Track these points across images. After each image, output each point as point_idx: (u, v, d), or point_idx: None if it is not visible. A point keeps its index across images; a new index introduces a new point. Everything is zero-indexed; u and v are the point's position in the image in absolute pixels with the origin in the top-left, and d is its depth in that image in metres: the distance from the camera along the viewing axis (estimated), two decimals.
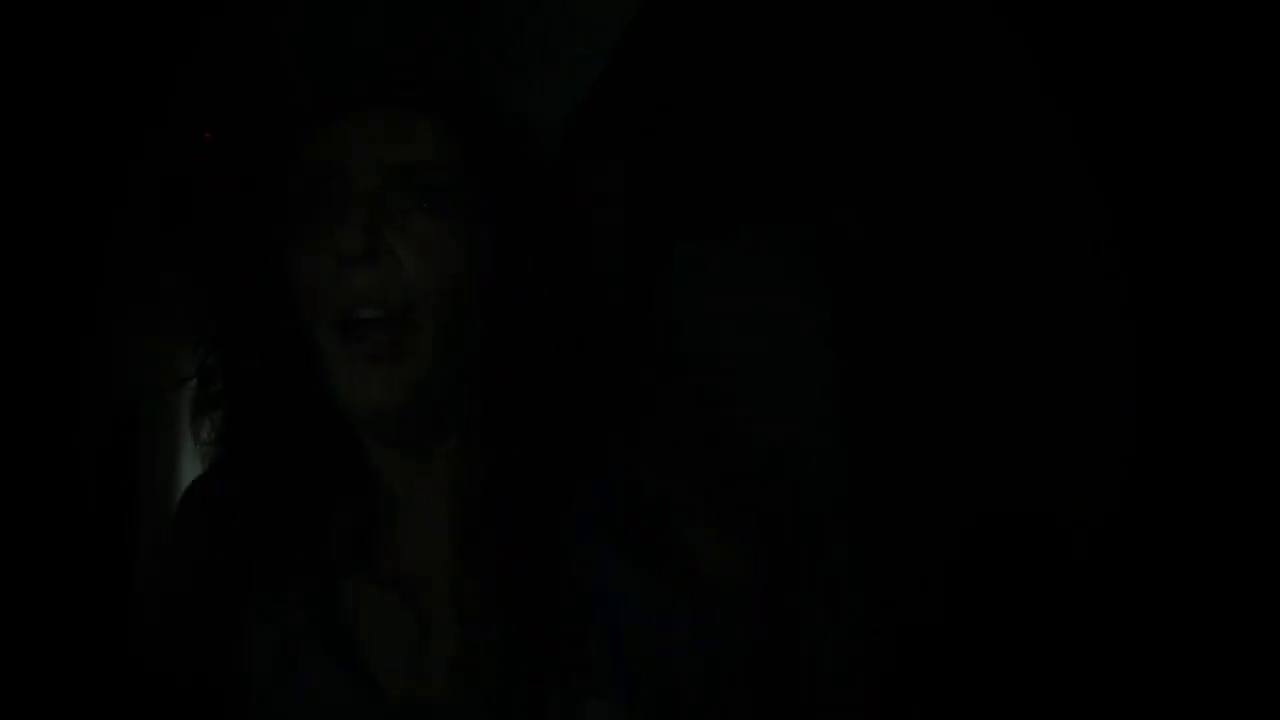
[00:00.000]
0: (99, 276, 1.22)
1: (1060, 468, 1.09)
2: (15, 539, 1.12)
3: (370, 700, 0.80)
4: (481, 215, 0.82)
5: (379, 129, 0.81)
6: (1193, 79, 0.98)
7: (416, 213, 0.80)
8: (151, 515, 1.32)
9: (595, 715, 0.78)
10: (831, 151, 1.17)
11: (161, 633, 0.91)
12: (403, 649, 0.81)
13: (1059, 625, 1.04)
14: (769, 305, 1.19)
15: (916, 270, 1.16)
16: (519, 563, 0.81)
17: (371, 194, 0.79)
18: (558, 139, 0.92)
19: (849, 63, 1.14)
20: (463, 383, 0.83)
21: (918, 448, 1.16)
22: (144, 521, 1.33)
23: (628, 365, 0.90)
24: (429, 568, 0.84)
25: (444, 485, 0.85)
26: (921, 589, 1.13)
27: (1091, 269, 1.06)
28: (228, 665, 0.84)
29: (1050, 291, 1.11)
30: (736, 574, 0.85)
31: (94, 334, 1.23)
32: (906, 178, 1.16)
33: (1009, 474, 1.11)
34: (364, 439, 0.86)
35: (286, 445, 0.85)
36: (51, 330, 1.17)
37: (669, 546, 0.83)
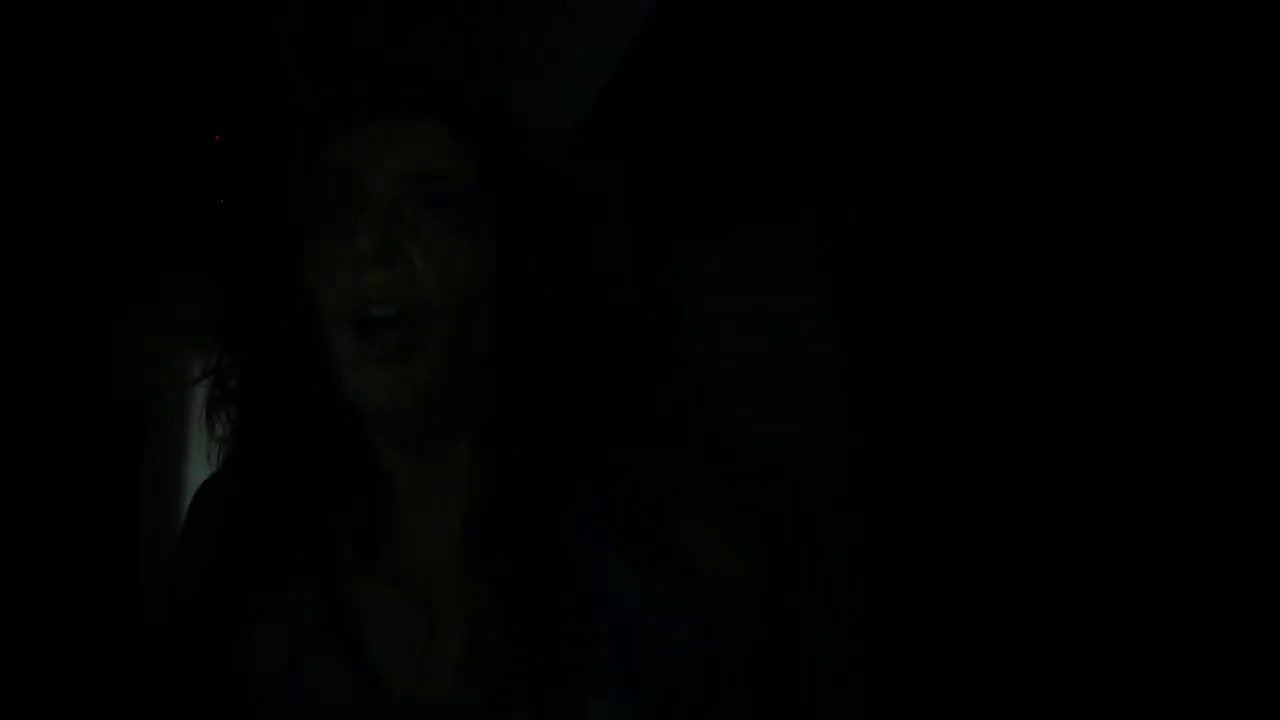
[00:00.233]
0: (99, 276, 1.22)
1: (1061, 468, 1.09)
2: (16, 538, 1.13)
3: (372, 700, 0.80)
4: (493, 220, 0.84)
5: (394, 136, 0.83)
6: (1193, 79, 0.98)
7: (429, 217, 0.82)
8: (158, 515, 1.33)
9: (597, 715, 0.78)
10: (835, 152, 1.17)
11: (170, 631, 0.91)
12: (408, 648, 0.82)
13: (1059, 625, 1.04)
14: (772, 305, 1.19)
15: (918, 269, 1.16)
16: (523, 563, 0.81)
17: (386, 199, 0.81)
18: (568, 143, 0.92)
19: (853, 64, 1.15)
20: (473, 385, 0.85)
21: (920, 447, 1.16)
22: (151, 520, 1.33)
23: (633, 366, 0.90)
24: (436, 568, 0.84)
25: (454, 487, 0.86)
26: (921, 589, 1.13)
27: (1091, 269, 1.06)
28: (230, 665, 0.84)
29: (1050, 291, 1.11)
30: (737, 574, 0.85)
31: (94, 334, 1.23)
32: (908, 178, 1.16)
33: (1010, 474, 1.11)
34: (375, 440, 0.87)
35: (298, 444, 0.86)
36: (52, 330, 1.17)
37: (669, 546, 0.83)
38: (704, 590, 0.83)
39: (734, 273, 1.20)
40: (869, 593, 1.14)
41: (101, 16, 1.16)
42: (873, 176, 1.17)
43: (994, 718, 1.07)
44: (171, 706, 0.88)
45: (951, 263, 1.15)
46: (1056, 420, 1.09)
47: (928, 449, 1.14)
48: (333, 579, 0.84)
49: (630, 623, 0.80)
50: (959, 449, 1.13)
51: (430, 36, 1.19)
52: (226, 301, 0.89)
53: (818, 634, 1.06)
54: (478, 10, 1.19)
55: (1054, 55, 1.05)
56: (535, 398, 0.84)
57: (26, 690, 1.09)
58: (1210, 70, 0.98)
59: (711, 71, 1.17)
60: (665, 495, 0.86)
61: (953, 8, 1.10)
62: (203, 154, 1.23)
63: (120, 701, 1.09)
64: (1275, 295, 0.96)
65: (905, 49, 1.13)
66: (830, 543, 1.12)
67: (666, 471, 0.88)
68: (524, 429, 0.84)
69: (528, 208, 0.86)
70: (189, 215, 1.26)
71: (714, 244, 1.20)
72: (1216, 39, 0.97)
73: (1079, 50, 1.04)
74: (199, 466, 0.93)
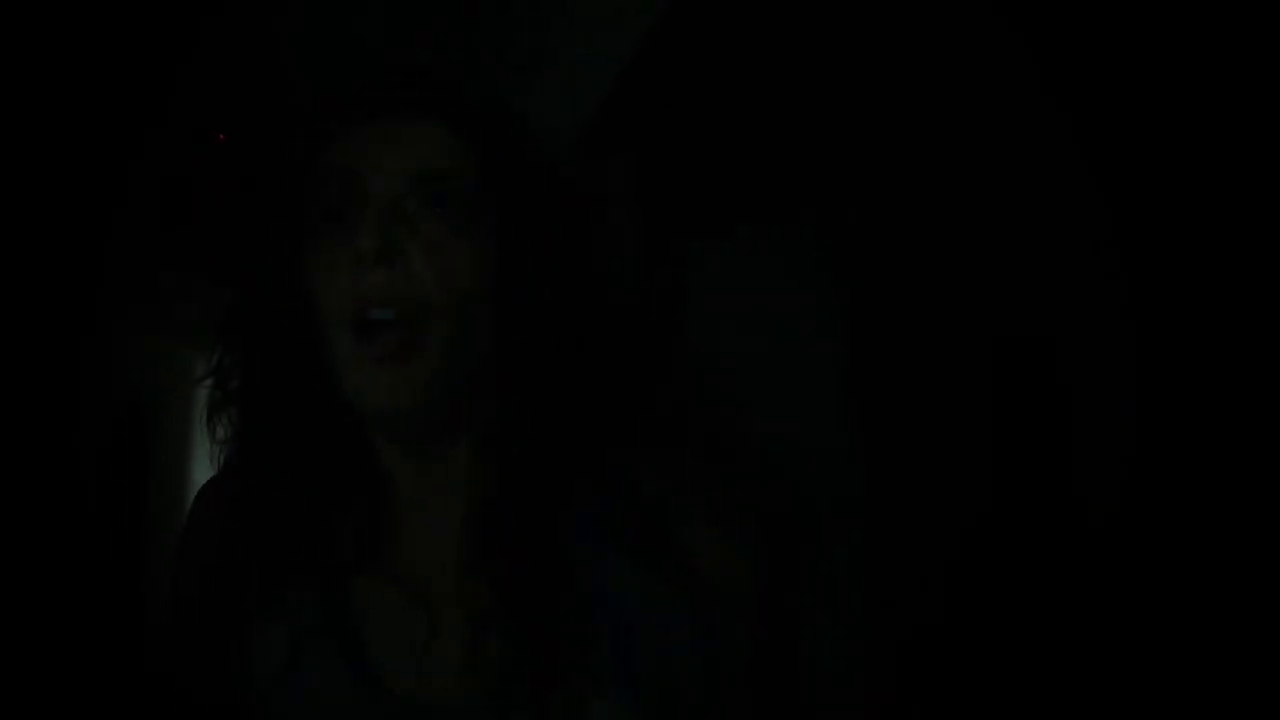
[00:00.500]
0: (99, 276, 1.22)
1: (1061, 468, 1.09)
2: (17, 538, 1.13)
3: (372, 700, 0.80)
4: (494, 221, 0.84)
5: (395, 136, 0.84)
6: (1193, 79, 0.98)
7: (430, 217, 0.82)
8: (162, 515, 1.33)
9: (597, 715, 0.78)
10: (838, 152, 1.17)
11: (171, 631, 0.91)
12: (408, 649, 0.82)
13: (1060, 625, 1.04)
14: (772, 304, 1.19)
15: (917, 269, 1.16)
16: (523, 563, 0.82)
17: (387, 199, 0.81)
18: (573, 143, 0.93)
19: (856, 65, 1.15)
20: (473, 385, 0.85)
21: (919, 447, 1.16)
22: (154, 521, 1.34)
23: (634, 366, 0.90)
24: (436, 568, 0.84)
25: (454, 487, 0.86)
26: (922, 589, 1.13)
27: (1091, 269, 1.06)
28: (231, 665, 0.84)
29: (1050, 291, 1.11)
30: (737, 574, 0.85)
31: (94, 334, 1.23)
32: (908, 178, 1.16)
33: (1009, 474, 1.11)
34: (375, 440, 0.87)
35: (299, 445, 0.86)
36: (52, 330, 1.17)
37: (669, 546, 0.83)
38: (704, 590, 0.83)
39: (733, 272, 1.20)
40: (869, 593, 1.14)
41: (101, 16, 1.16)
42: (872, 176, 1.17)
43: (994, 718, 1.07)
44: (172, 706, 0.88)
45: (951, 263, 1.15)
46: (1056, 420, 1.09)
47: (927, 449, 1.14)
48: (333, 579, 0.84)
49: (630, 623, 0.80)
50: (959, 449, 1.13)
51: (430, 36, 1.19)
52: (227, 302, 0.89)
53: (818, 634, 1.06)
54: (478, 10, 1.19)
55: (1054, 55, 1.05)
56: (535, 398, 0.84)
57: (28, 689, 1.09)
58: (1210, 70, 0.98)
59: (715, 71, 1.17)
60: (665, 495, 0.86)
61: (953, 8, 1.10)
62: (204, 154, 1.23)
63: (121, 701, 1.09)
64: (1275, 295, 0.96)
65: (906, 50, 1.13)
66: (830, 543, 1.12)
67: (666, 471, 0.88)
68: (524, 429, 0.84)
69: (528, 207, 0.86)
70: (189, 215, 1.26)
71: (713, 244, 1.20)
72: (1216, 39, 0.97)
73: (1079, 50, 1.04)
74: (203, 467, 0.93)
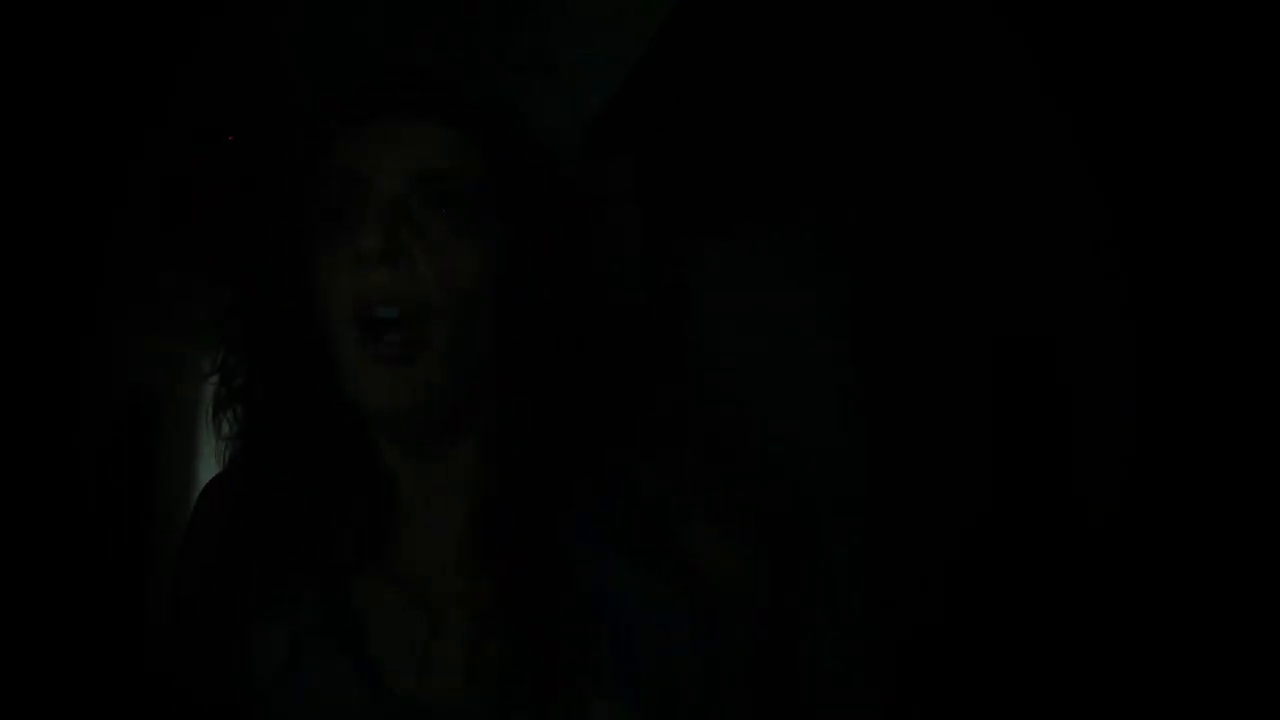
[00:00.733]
0: (99, 276, 1.22)
1: (1061, 468, 1.09)
2: (17, 539, 1.13)
3: (373, 700, 0.80)
4: (499, 221, 0.84)
5: (397, 136, 0.84)
6: (1193, 79, 0.98)
7: (435, 218, 0.82)
8: (167, 513, 1.33)
9: (597, 715, 0.78)
10: (839, 152, 1.17)
11: (172, 631, 0.91)
12: (409, 648, 0.82)
13: (1060, 625, 1.04)
14: (771, 304, 1.19)
15: (917, 269, 1.16)
16: (524, 564, 0.82)
17: (393, 199, 0.82)
18: (573, 143, 0.93)
19: (856, 65, 1.15)
20: (475, 385, 0.85)
21: (919, 447, 1.16)
22: (158, 521, 1.33)
23: (636, 366, 0.90)
24: (437, 568, 0.84)
25: (455, 487, 0.86)
26: (922, 589, 1.13)
27: (1091, 269, 1.06)
28: (231, 664, 0.84)
29: (1050, 291, 1.11)
30: (737, 574, 0.85)
31: (95, 333, 1.23)
32: (908, 178, 1.16)
33: (1010, 474, 1.11)
34: (379, 440, 0.87)
35: (302, 444, 0.87)
36: (52, 330, 1.17)
37: (669, 547, 0.84)
38: (704, 590, 0.83)
39: (733, 272, 1.20)
40: (869, 593, 1.14)
41: (101, 16, 1.16)
42: (872, 176, 1.17)
43: (994, 718, 1.07)
44: (173, 706, 0.88)
45: (951, 263, 1.15)
46: (1056, 420, 1.09)
47: (927, 449, 1.14)
48: (334, 578, 0.85)
49: (630, 623, 0.81)
50: (959, 449, 1.13)
51: (430, 36, 1.19)
52: (231, 301, 0.89)
53: (818, 634, 1.06)
54: (478, 10, 1.19)
55: (1054, 55, 1.05)
56: (536, 398, 0.85)
57: (30, 688, 1.09)
58: (1210, 70, 0.98)
59: (715, 71, 1.17)
60: (665, 495, 0.86)
61: (953, 9, 1.10)
62: (208, 154, 1.23)
63: (122, 700, 1.09)
64: (1275, 295, 0.96)
65: (906, 50, 1.13)
66: (830, 543, 1.12)
67: (667, 471, 0.89)
68: (525, 429, 0.85)
69: (529, 207, 0.86)
70: (189, 215, 1.26)
71: (714, 243, 1.20)
72: (1216, 39, 0.97)
73: (1079, 50, 1.04)
74: (209, 466, 0.93)
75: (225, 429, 0.89)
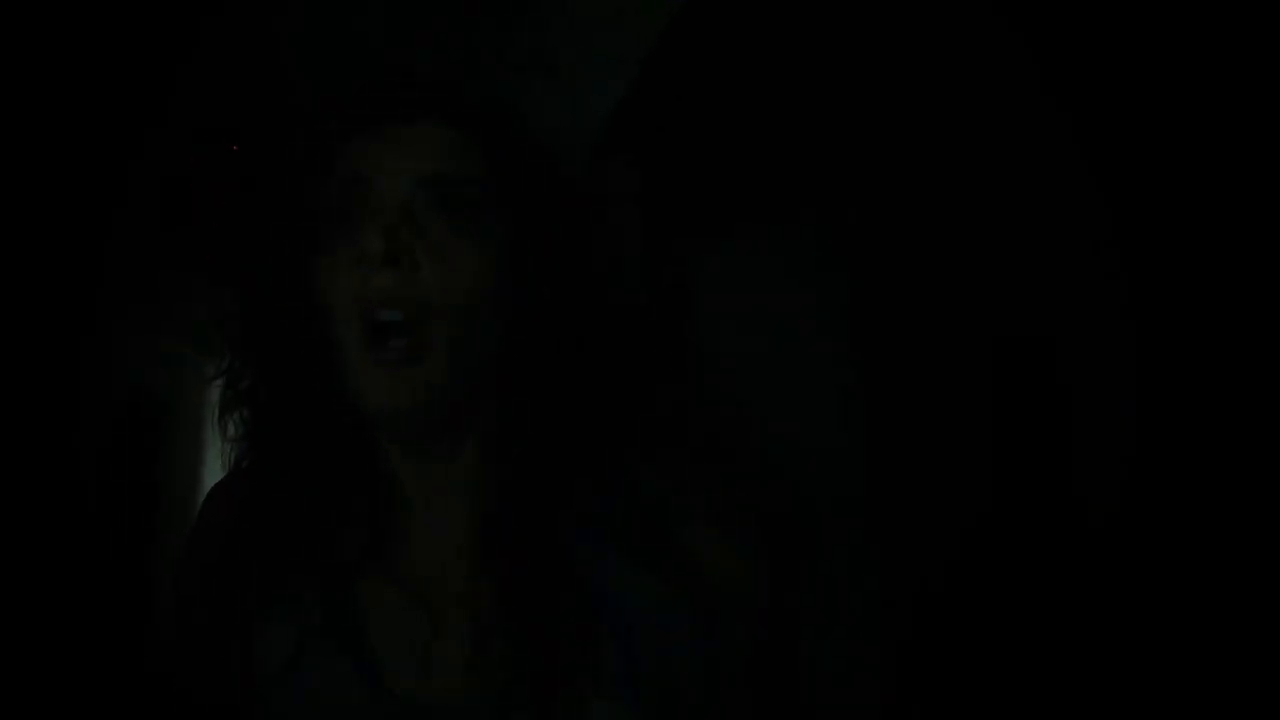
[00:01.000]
0: (99, 277, 1.22)
1: (1061, 468, 1.09)
2: (18, 539, 1.13)
3: (374, 700, 0.80)
4: (500, 222, 0.84)
5: (404, 138, 0.84)
6: (1193, 79, 0.98)
7: (437, 219, 0.82)
8: (172, 515, 1.33)
9: (598, 715, 0.78)
10: (839, 153, 1.17)
11: (174, 631, 0.91)
12: (410, 649, 0.82)
13: (1060, 625, 1.04)
14: (772, 305, 1.19)
15: (918, 269, 1.16)
16: (525, 564, 0.82)
17: (397, 202, 0.82)
18: (574, 144, 0.93)
19: (857, 66, 1.15)
20: (478, 387, 0.85)
21: (920, 447, 1.16)
22: (162, 523, 1.33)
23: (638, 368, 0.90)
24: (439, 569, 0.85)
25: (457, 489, 0.86)
26: (922, 589, 1.13)
27: (1091, 269, 1.06)
28: (234, 664, 0.84)
29: (1050, 291, 1.11)
30: (737, 574, 0.85)
31: (95, 334, 1.23)
32: (908, 178, 1.16)
33: (1010, 474, 1.11)
34: (382, 442, 0.87)
35: (305, 445, 0.86)
36: (53, 330, 1.17)
37: (669, 547, 0.83)
38: (704, 590, 0.83)
39: (733, 272, 1.20)
40: (869, 593, 1.14)
41: (102, 16, 1.16)
42: (872, 177, 1.17)
43: (995, 718, 1.07)
44: (175, 706, 0.88)
45: (952, 263, 1.15)
46: (1056, 420, 1.09)
47: (928, 449, 1.15)
48: (336, 579, 0.85)
49: (631, 623, 0.81)
50: (959, 449, 1.13)
51: (430, 36, 1.19)
52: (234, 304, 0.89)
53: (818, 634, 1.06)
54: (478, 10, 1.19)
55: (1054, 55, 1.05)
56: (537, 398, 0.85)
57: (33, 689, 1.09)
58: (1210, 70, 0.98)
59: (716, 72, 1.17)
60: (666, 495, 0.86)
61: (953, 9, 1.10)
62: (205, 154, 1.23)
63: (125, 700, 1.10)
64: (1275, 295, 0.96)
65: (906, 51, 1.13)
66: (830, 543, 1.12)
67: (667, 471, 0.89)
68: (526, 430, 0.85)
69: (531, 209, 0.86)
70: (189, 215, 1.26)
71: (714, 243, 1.20)
72: (1216, 39, 0.97)
73: (1079, 50, 1.04)
74: (214, 469, 0.93)
75: (231, 431, 0.89)
